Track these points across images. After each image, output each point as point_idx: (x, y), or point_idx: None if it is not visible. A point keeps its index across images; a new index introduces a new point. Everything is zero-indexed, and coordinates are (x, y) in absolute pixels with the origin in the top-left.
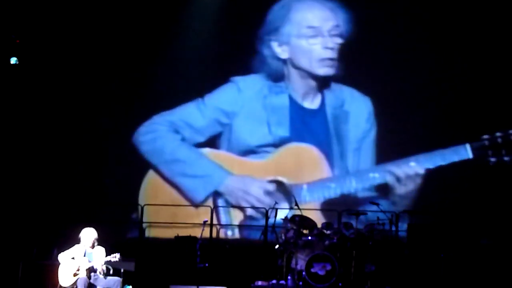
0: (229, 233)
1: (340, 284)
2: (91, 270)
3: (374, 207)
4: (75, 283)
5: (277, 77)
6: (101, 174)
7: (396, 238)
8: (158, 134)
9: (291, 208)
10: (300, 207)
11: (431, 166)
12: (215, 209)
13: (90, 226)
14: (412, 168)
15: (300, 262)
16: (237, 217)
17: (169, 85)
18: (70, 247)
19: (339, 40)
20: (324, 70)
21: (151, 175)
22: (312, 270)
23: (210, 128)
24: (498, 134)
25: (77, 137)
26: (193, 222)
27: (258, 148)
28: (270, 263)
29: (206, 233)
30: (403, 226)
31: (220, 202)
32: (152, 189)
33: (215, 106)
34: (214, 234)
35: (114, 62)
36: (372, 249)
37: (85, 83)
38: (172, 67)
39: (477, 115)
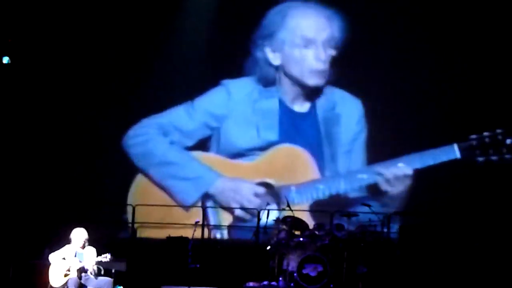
0: (218, 235)
1: (331, 286)
2: (82, 270)
3: (366, 209)
4: (66, 283)
5: (268, 82)
6: (91, 176)
7: (387, 239)
8: (147, 137)
9: (282, 209)
10: (291, 209)
11: (419, 166)
12: (204, 210)
13: (81, 226)
14: (400, 169)
15: (292, 263)
16: (226, 219)
17: (160, 87)
18: (61, 247)
19: (333, 52)
20: (315, 81)
21: (140, 177)
22: (304, 271)
23: (199, 132)
24: (485, 134)
25: (69, 138)
26: (185, 223)
27: (247, 152)
28: (262, 264)
29: (198, 234)
30: (395, 227)
31: (210, 204)
32: (142, 191)
33: (204, 109)
34: (206, 235)
35: (105, 64)
36: (364, 250)
37: (76, 85)
38: (163, 69)
39: (464, 115)
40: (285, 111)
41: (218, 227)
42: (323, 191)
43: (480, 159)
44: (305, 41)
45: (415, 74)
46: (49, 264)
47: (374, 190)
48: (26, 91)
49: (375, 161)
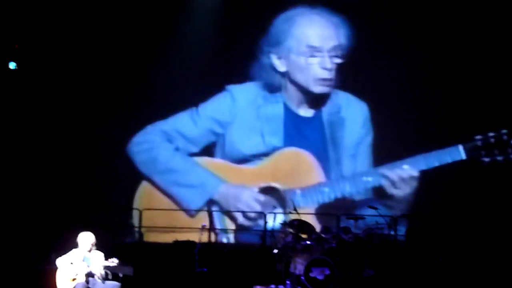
0: (224, 239)
1: None
2: (89, 275)
3: (373, 211)
4: None
5: (274, 88)
6: (98, 181)
7: (394, 242)
8: (151, 145)
9: (289, 213)
10: (297, 212)
11: (424, 168)
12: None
13: (88, 230)
14: (405, 171)
15: (299, 266)
16: (231, 225)
17: (165, 94)
18: (68, 251)
19: (338, 61)
20: (320, 89)
21: (145, 183)
22: (311, 274)
23: (204, 138)
24: (490, 134)
25: (75, 144)
26: (191, 227)
27: (251, 158)
28: (269, 267)
29: (205, 238)
30: (402, 230)
31: (215, 208)
32: (147, 196)
33: (208, 116)
34: (212, 239)
35: (110, 70)
36: (371, 253)
37: (81, 91)
38: (168, 76)
39: (469, 116)
40: (290, 116)
41: (224, 231)
42: (328, 194)
43: (486, 159)
44: (311, 49)
45: (419, 76)
46: (56, 268)
47: (380, 193)
48: (32, 96)
49: (380, 164)
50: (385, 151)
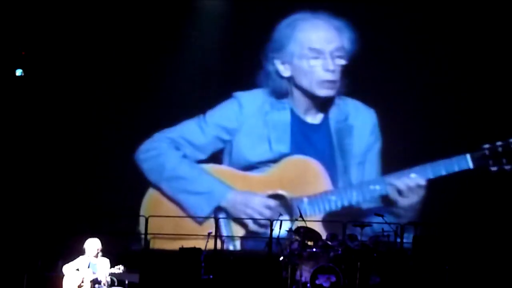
0: (231, 247)
1: None
2: (95, 281)
3: (379, 219)
4: None
5: (281, 94)
6: (105, 188)
7: (401, 249)
8: (159, 152)
9: (295, 220)
10: (304, 219)
11: (431, 176)
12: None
13: (94, 237)
14: (413, 180)
15: (305, 274)
16: (238, 232)
17: (172, 101)
18: (75, 258)
19: (342, 62)
20: (324, 92)
21: (152, 190)
22: (317, 282)
23: (211, 145)
24: (498, 143)
25: (82, 150)
26: (197, 234)
27: (258, 165)
28: (275, 275)
29: (211, 245)
30: (408, 237)
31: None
32: (154, 203)
33: (215, 123)
34: (218, 246)
35: (117, 78)
36: (377, 261)
37: (88, 98)
38: (175, 83)
39: (477, 125)
40: (297, 123)
41: (230, 238)
42: (335, 203)
43: (493, 168)
44: (313, 52)
45: (427, 84)
46: (63, 276)
47: (387, 201)
48: (40, 104)
49: (388, 172)
50: (393, 159)
